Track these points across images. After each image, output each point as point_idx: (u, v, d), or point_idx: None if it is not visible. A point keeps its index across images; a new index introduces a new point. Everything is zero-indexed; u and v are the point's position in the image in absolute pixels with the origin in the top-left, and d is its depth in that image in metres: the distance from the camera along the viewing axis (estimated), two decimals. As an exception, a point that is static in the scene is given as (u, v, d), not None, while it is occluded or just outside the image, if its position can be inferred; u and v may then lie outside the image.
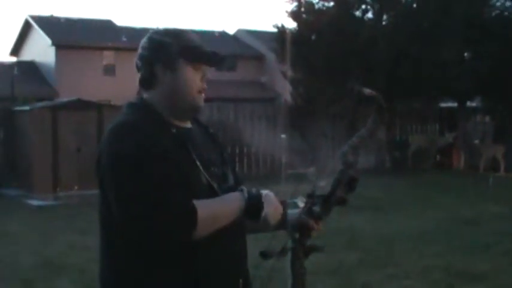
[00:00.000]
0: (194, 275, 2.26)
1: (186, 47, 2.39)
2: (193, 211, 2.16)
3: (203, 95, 2.44)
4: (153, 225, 2.12)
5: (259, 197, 2.35)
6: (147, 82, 2.43)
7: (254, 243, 2.57)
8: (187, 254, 2.24)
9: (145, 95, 2.44)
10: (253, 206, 2.34)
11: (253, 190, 2.38)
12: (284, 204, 2.47)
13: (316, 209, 2.39)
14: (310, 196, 2.43)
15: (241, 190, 2.37)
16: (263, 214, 2.34)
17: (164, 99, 2.40)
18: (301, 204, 2.45)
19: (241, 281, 2.44)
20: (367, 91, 2.40)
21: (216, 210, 2.28)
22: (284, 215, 2.46)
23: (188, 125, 2.47)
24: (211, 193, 2.33)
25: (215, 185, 2.37)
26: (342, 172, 2.39)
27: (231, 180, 2.52)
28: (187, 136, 2.39)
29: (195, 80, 2.40)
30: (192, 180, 2.29)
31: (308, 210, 2.41)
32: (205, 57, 2.44)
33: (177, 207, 2.15)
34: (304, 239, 2.42)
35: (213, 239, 2.25)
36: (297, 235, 2.43)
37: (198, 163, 2.33)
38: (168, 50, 2.39)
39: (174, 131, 2.35)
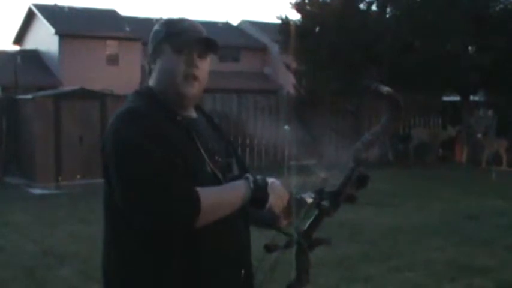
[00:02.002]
0: (197, 264, 2.26)
1: (171, 33, 2.39)
2: (196, 198, 2.15)
3: (196, 82, 2.39)
4: (155, 211, 2.12)
5: (264, 187, 2.34)
6: (147, 70, 2.47)
7: (259, 236, 2.56)
8: (191, 242, 2.24)
9: (149, 84, 2.46)
10: (259, 195, 2.33)
11: (259, 179, 2.36)
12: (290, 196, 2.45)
13: (325, 204, 2.37)
14: (319, 192, 2.41)
15: (247, 178, 2.35)
16: (268, 204, 2.33)
17: (157, 86, 2.41)
18: (309, 200, 2.43)
19: (243, 271, 2.44)
20: (385, 89, 2.39)
21: (219, 198, 2.27)
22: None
23: (193, 114, 2.47)
24: (216, 182, 2.32)
25: (219, 174, 2.37)
26: (352, 169, 2.39)
27: (235, 170, 2.52)
28: (191, 125, 2.38)
29: (177, 64, 2.36)
30: (197, 168, 2.29)
31: (317, 205, 2.39)
32: (189, 42, 2.38)
33: (180, 194, 2.15)
34: (310, 232, 2.40)
35: (217, 228, 2.25)
36: (302, 228, 2.41)
37: (202, 151, 2.33)
38: (157, 37, 2.43)
39: (179, 118, 2.34)
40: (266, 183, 2.36)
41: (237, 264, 2.42)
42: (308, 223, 2.41)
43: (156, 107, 2.32)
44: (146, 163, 2.15)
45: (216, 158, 2.41)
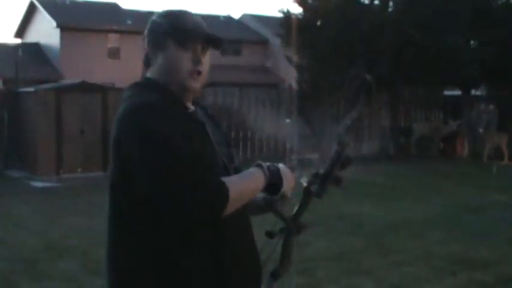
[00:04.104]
0: (221, 253, 2.27)
1: (175, 28, 2.36)
2: (225, 187, 2.17)
3: (200, 77, 2.39)
4: (191, 203, 2.11)
5: (279, 174, 2.39)
6: (145, 62, 2.44)
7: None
8: (214, 232, 2.24)
9: (147, 75, 2.44)
10: (274, 182, 2.38)
11: (271, 165, 2.41)
12: None
13: (314, 188, 2.43)
14: (315, 176, 2.45)
15: (260, 166, 2.39)
16: (282, 191, 2.39)
17: (159, 79, 2.38)
18: (305, 185, 2.48)
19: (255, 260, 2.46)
20: (368, 77, 2.51)
21: (242, 186, 2.28)
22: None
23: (191, 107, 2.45)
24: (226, 173, 2.33)
25: (228, 165, 2.40)
26: (338, 152, 2.44)
27: (236, 160, 2.52)
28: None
29: (183, 61, 2.35)
30: (212, 160, 2.31)
31: (305, 190, 2.44)
32: (194, 38, 2.37)
33: (212, 186, 2.16)
34: (298, 217, 2.45)
35: (234, 216, 2.26)
36: (290, 213, 2.46)
37: (214, 144, 2.35)
38: (159, 30, 2.39)
39: (190, 111, 2.36)
40: (279, 169, 2.41)
41: (253, 250, 2.45)
42: (296, 208, 2.47)
43: (169, 100, 2.32)
44: (177, 157, 2.14)
45: (221, 148, 2.43)
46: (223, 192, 2.16)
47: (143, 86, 2.40)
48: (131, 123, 2.22)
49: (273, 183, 2.38)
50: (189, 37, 2.36)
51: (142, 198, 2.19)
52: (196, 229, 2.21)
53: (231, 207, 2.19)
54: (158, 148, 2.15)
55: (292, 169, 2.49)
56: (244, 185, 2.31)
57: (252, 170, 2.38)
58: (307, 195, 2.45)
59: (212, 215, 2.18)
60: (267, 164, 2.41)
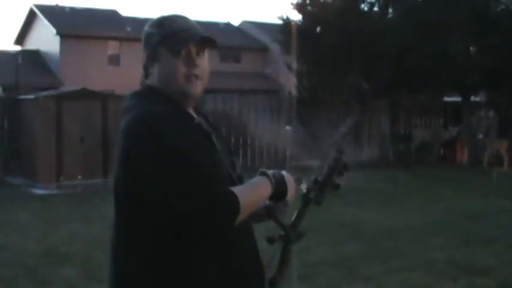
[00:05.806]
0: (225, 261, 2.27)
1: (165, 35, 2.35)
2: (236, 197, 2.17)
3: (198, 81, 2.37)
4: (206, 215, 2.11)
5: (284, 182, 2.39)
6: (144, 73, 2.43)
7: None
8: (219, 240, 2.24)
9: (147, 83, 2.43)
10: (280, 190, 2.38)
11: (275, 172, 2.41)
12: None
13: (312, 195, 2.45)
14: (315, 182, 2.47)
15: (265, 174, 2.39)
16: (287, 198, 2.41)
17: (160, 88, 2.37)
18: (305, 191, 2.49)
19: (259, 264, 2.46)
20: (365, 85, 2.52)
21: (251, 197, 2.29)
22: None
23: (193, 114, 2.43)
24: (231, 182, 2.33)
25: (233, 174, 2.39)
26: (336, 159, 2.48)
27: (238, 169, 2.51)
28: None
29: (177, 67, 2.32)
30: (222, 170, 2.32)
31: (304, 197, 2.46)
32: (185, 41, 2.34)
33: (225, 197, 2.17)
34: (297, 224, 2.45)
35: (240, 224, 2.26)
36: (289, 220, 2.47)
37: (220, 153, 2.35)
38: (151, 40, 2.39)
39: (196, 121, 2.34)
40: (283, 177, 2.41)
41: (256, 258, 2.44)
42: (294, 215, 2.47)
43: (175, 110, 2.30)
44: (192, 168, 2.14)
45: (225, 158, 2.42)
46: (235, 203, 2.16)
47: (146, 95, 2.38)
48: (142, 134, 2.20)
49: (280, 192, 2.38)
50: (179, 41, 2.33)
51: (153, 207, 2.16)
52: (204, 238, 2.20)
53: (241, 218, 2.20)
54: (173, 160, 2.14)
55: (298, 181, 2.49)
56: (253, 195, 2.30)
57: (259, 179, 2.38)
58: (306, 202, 2.45)
59: (224, 226, 2.18)
60: (272, 171, 2.40)
